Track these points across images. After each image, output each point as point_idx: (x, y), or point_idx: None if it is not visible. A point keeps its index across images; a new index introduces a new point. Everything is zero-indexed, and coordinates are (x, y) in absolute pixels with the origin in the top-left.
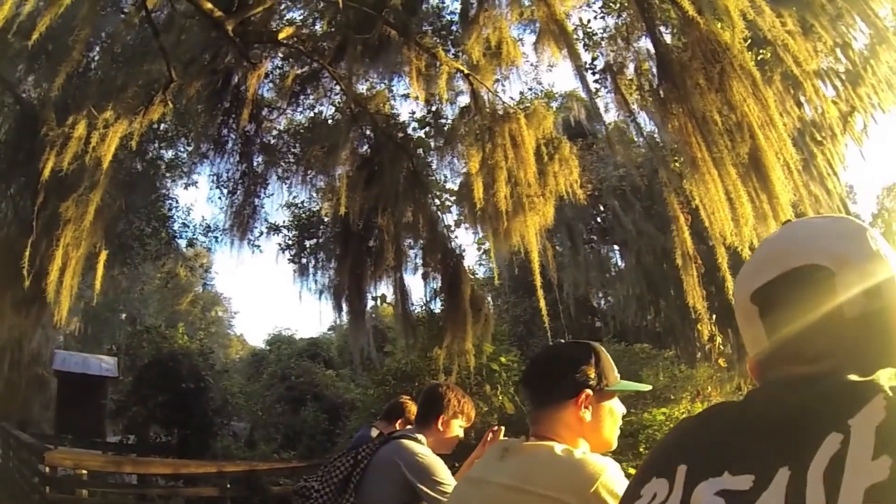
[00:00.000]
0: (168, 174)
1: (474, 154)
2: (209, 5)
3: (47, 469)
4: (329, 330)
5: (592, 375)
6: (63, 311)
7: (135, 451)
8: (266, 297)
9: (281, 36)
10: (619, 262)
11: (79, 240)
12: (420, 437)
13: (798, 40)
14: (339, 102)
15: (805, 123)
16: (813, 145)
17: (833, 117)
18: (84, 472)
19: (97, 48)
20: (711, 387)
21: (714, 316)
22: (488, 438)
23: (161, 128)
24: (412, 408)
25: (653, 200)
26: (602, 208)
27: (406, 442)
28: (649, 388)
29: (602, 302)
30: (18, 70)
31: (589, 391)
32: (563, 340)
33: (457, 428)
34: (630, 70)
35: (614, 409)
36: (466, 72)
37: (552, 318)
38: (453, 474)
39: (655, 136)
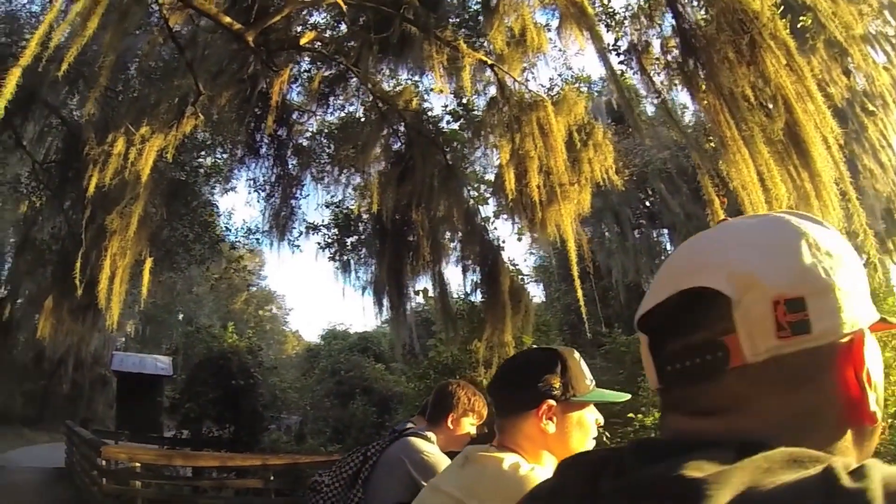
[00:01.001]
0: (208, 181)
1: (504, 145)
2: (228, 19)
3: (104, 462)
4: (383, 323)
5: (557, 385)
6: (114, 316)
7: (189, 445)
8: (320, 293)
9: (303, 41)
10: (669, 247)
11: (124, 249)
12: (430, 434)
13: (841, 3)
14: (366, 101)
15: (854, 93)
16: (864, 116)
17: (884, 84)
18: (138, 465)
19: (133, 67)
20: None
21: None
22: None
23: (199, 137)
24: None
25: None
26: (650, 192)
27: (414, 440)
28: (627, 397)
29: None
30: (62, 94)
31: (552, 402)
32: (535, 346)
33: (467, 426)
34: (656, 48)
35: (584, 420)
36: (490, 62)
37: (604, 305)
38: None
39: (689, 115)
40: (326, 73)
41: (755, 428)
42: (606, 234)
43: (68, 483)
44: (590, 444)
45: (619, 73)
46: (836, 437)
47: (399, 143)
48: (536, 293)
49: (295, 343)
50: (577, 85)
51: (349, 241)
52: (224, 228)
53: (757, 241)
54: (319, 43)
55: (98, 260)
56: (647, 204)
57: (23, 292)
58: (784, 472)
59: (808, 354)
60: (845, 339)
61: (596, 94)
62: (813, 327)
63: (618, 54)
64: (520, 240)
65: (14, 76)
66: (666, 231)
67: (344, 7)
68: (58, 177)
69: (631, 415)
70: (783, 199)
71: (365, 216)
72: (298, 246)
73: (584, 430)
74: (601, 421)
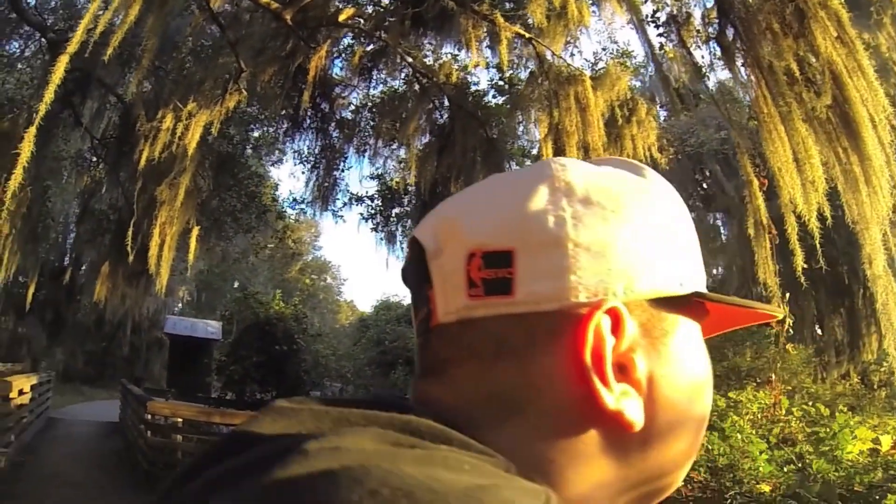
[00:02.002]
0: (255, 153)
1: (543, 119)
2: None
3: (150, 416)
4: None
5: None
6: (163, 280)
7: (232, 405)
8: (374, 265)
9: (341, 18)
10: (724, 231)
11: (172, 218)
12: None
13: None
14: (408, 76)
15: None
16: None
17: None
18: (180, 420)
19: (183, 47)
20: (807, 372)
21: (787, 294)
22: None
23: (248, 111)
24: None
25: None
26: (707, 174)
27: None
28: None
29: (709, 273)
30: (116, 74)
31: None
32: None
33: None
34: (697, 20)
35: None
36: (528, 36)
37: None
38: None
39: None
40: (368, 49)
41: (448, 399)
42: None
43: (120, 435)
44: None
45: (658, 46)
46: (551, 434)
47: (441, 117)
48: None
49: (349, 313)
50: (622, 59)
51: (394, 212)
52: (271, 199)
53: (491, 187)
54: (360, 19)
55: (149, 229)
56: (704, 186)
57: (85, 259)
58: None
59: (515, 322)
60: (581, 311)
61: (632, 69)
62: (517, 288)
63: (657, 26)
64: None
65: (62, 63)
66: (720, 215)
67: None
68: (114, 151)
69: None
70: (819, 182)
71: (411, 188)
72: (342, 216)
73: None
74: None
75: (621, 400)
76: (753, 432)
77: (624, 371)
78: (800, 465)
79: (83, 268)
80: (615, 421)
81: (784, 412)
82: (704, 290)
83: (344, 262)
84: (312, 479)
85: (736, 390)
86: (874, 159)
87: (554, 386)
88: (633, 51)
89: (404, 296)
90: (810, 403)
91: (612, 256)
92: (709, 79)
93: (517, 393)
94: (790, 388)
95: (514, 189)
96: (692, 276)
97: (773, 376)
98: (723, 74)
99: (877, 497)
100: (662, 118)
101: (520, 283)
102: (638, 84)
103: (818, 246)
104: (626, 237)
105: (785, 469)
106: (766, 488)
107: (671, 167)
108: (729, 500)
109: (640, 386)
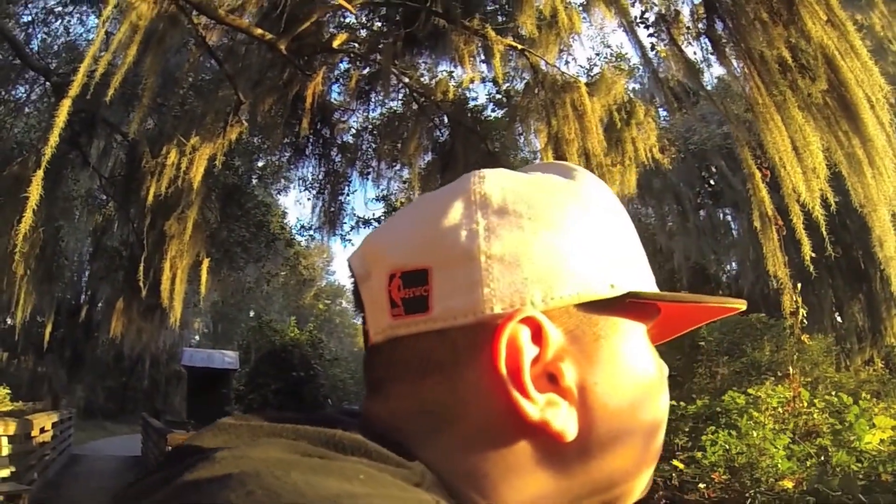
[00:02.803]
0: (261, 183)
1: (542, 129)
2: (259, 31)
3: (169, 448)
4: None
5: None
6: (177, 313)
7: None
8: None
9: (335, 44)
10: (734, 226)
11: (182, 251)
12: None
13: None
14: (405, 96)
15: None
16: None
17: None
18: None
19: (185, 83)
20: (829, 361)
21: (800, 284)
22: None
23: (252, 142)
24: None
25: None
26: (714, 170)
27: None
28: None
29: (723, 269)
30: (120, 113)
31: None
32: None
33: None
34: (686, 16)
35: None
36: (520, 47)
37: (669, 288)
38: None
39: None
40: (364, 72)
41: (385, 415)
42: (667, 215)
43: (142, 469)
44: None
45: (649, 46)
46: (482, 447)
47: (441, 135)
48: None
49: None
50: (617, 63)
51: None
52: (279, 227)
53: (415, 207)
54: (355, 43)
55: (160, 263)
56: (712, 182)
57: (100, 297)
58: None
59: (437, 338)
60: (496, 323)
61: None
62: (433, 305)
63: (647, 27)
64: None
65: (65, 106)
66: (729, 210)
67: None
68: (123, 189)
69: (674, 402)
70: (820, 168)
71: None
72: (350, 240)
73: None
74: None
75: (546, 410)
76: (775, 428)
77: (553, 380)
78: (821, 458)
79: (99, 305)
80: (544, 432)
81: (805, 405)
82: (642, 290)
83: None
84: (209, 482)
85: (756, 386)
86: (876, 140)
87: (480, 399)
88: (626, 53)
89: None
90: (833, 393)
91: (527, 265)
92: (703, 74)
93: (446, 407)
94: (812, 379)
95: (433, 207)
96: (626, 277)
97: (791, 369)
98: (720, 70)
99: None
100: (663, 118)
101: (436, 299)
102: (637, 86)
103: (827, 233)
104: (544, 243)
105: (808, 464)
106: (788, 485)
107: (675, 166)
108: (749, 500)
109: (570, 394)
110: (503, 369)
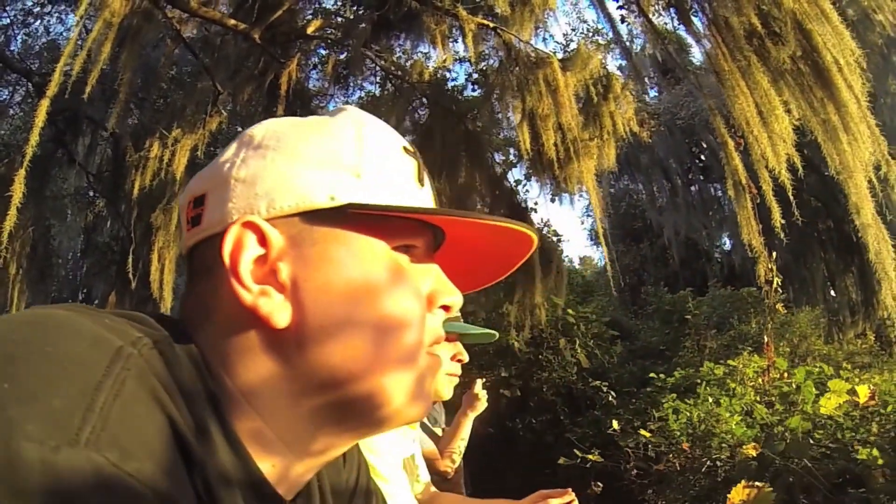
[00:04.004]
0: None
1: (517, 106)
2: (232, 21)
3: None
4: None
5: None
6: (167, 304)
7: None
8: None
9: (310, 30)
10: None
11: (169, 242)
12: None
13: None
14: (382, 79)
15: None
16: None
17: None
18: None
19: (165, 76)
20: (817, 334)
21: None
22: (471, 397)
23: (231, 130)
24: None
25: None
26: (704, 145)
27: None
28: (492, 336)
29: (714, 244)
30: (103, 110)
31: None
32: None
33: None
34: None
35: None
36: (492, 26)
37: (662, 264)
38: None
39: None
40: (342, 57)
41: (184, 309)
42: (658, 191)
43: None
44: (442, 380)
45: (619, 18)
46: (226, 335)
47: (419, 116)
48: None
49: None
50: (593, 38)
51: None
52: None
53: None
54: (330, 29)
55: (148, 255)
56: (702, 158)
57: (96, 293)
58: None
59: (207, 245)
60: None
61: (638, 48)
62: (203, 219)
63: None
64: (553, 200)
65: (43, 107)
66: (720, 185)
67: None
68: (110, 184)
69: (652, 374)
70: (787, 134)
71: None
72: None
73: None
74: (464, 357)
75: (259, 298)
76: (757, 398)
77: (273, 276)
78: (777, 424)
79: (95, 301)
80: (259, 318)
81: (779, 374)
82: (367, 202)
83: None
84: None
85: (736, 358)
86: (850, 105)
87: (225, 293)
88: (603, 28)
89: None
90: (818, 365)
91: (259, 183)
92: (673, 45)
93: (209, 301)
94: (801, 351)
95: (224, 150)
96: (355, 192)
97: (766, 338)
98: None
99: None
100: (652, 95)
101: (206, 215)
102: (624, 63)
103: (818, 205)
104: (276, 167)
105: (775, 430)
106: (751, 452)
107: (664, 141)
108: (703, 468)
109: (285, 289)
110: (227, 262)
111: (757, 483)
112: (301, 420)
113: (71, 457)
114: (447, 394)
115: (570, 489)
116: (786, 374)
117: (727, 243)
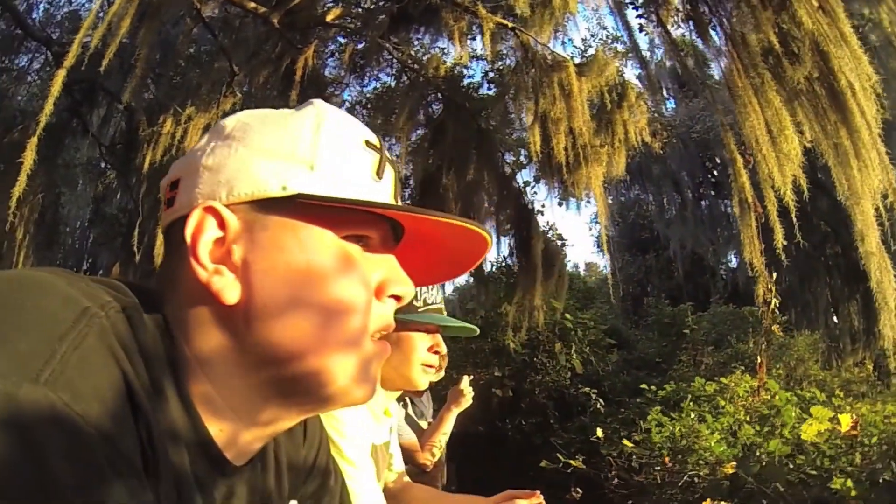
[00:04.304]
0: None
1: (530, 108)
2: (252, 4)
3: None
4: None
5: None
6: None
7: None
8: None
9: (329, 18)
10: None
11: None
12: None
13: None
14: (398, 71)
15: None
16: None
17: None
18: None
19: (184, 54)
20: (815, 358)
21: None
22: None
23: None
24: None
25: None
26: (718, 160)
27: None
28: (473, 331)
29: (720, 261)
30: (120, 83)
31: None
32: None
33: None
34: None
35: (407, 341)
36: (511, 25)
37: (666, 276)
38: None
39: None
40: (359, 47)
41: (160, 280)
42: (668, 203)
43: None
44: (417, 370)
45: (637, 27)
46: (186, 307)
47: (433, 111)
48: (602, 263)
49: None
50: (614, 45)
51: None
52: None
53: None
54: (349, 18)
55: (154, 229)
56: (715, 173)
57: (101, 264)
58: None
59: (177, 225)
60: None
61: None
62: (176, 201)
63: (636, 7)
64: (560, 204)
65: (59, 77)
66: (729, 201)
67: None
68: (122, 157)
69: (644, 385)
70: (795, 154)
71: (412, 182)
72: None
73: (404, 352)
74: (442, 349)
75: (213, 276)
76: (747, 418)
77: (228, 256)
78: (757, 446)
79: (100, 272)
80: (212, 293)
81: (770, 396)
82: (317, 193)
83: None
84: None
85: (729, 376)
86: (862, 131)
87: (188, 269)
88: (622, 35)
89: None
90: (811, 391)
91: (222, 171)
92: (690, 58)
93: (175, 275)
94: (797, 374)
95: (201, 138)
96: (309, 183)
97: (759, 358)
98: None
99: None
100: (671, 105)
101: (178, 198)
102: (643, 72)
103: (827, 230)
104: (238, 156)
105: (757, 452)
106: (730, 471)
107: (677, 153)
108: (680, 483)
109: (237, 269)
110: (188, 242)
111: (723, 503)
112: (249, 391)
113: (30, 392)
114: (422, 384)
115: (538, 492)
116: (776, 397)
117: (733, 261)
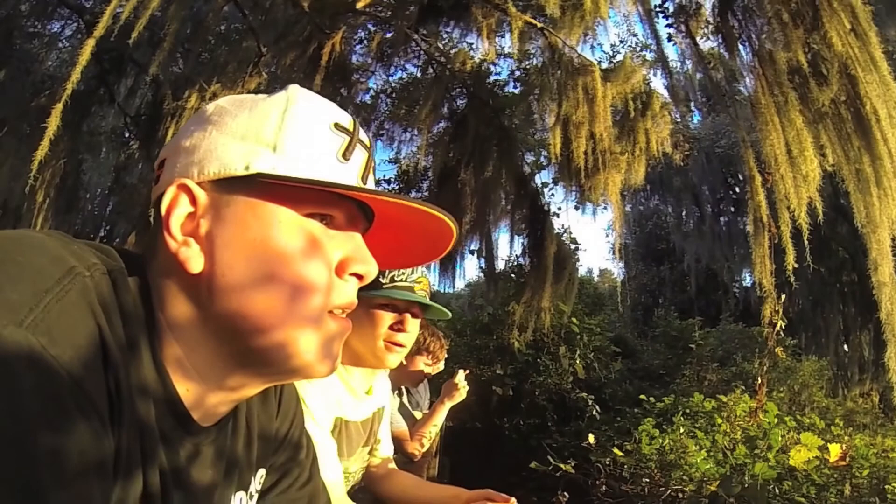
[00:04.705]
0: None
1: (553, 109)
2: None
3: None
4: (467, 286)
5: None
6: None
7: None
8: None
9: (359, 5)
10: None
11: None
12: None
13: None
14: (424, 63)
15: None
16: None
17: None
18: None
19: (213, 31)
20: (819, 385)
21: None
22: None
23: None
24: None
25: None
26: (740, 177)
27: None
28: (445, 314)
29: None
30: (149, 55)
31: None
32: None
33: (421, 364)
34: (707, 9)
35: (373, 315)
36: (540, 25)
37: (679, 289)
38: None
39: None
40: (387, 36)
41: (143, 251)
42: (685, 215)
43: None
44: (381, 347)
45: (666, 37)
46: (162, 274)
47: (455, 105)
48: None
49: None
50: (643, 53)
51: (413, 196)
52: None
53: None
54: (381, 7)
55: None
56: (737, 190)
57: (118, 232)
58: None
59: (159, 199)
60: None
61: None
62: (161, 179)
63: (666, 17)
64: (577, 208)
65: (88, 46)
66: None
67: None
68: (146, 128)
69: (643, 396)
70: (813, 176)
71: (429, 174)
72: None
73: (368, 328)
74: (406, 327)
75: (181, 247)
76: (742, 438)
77: (197, 230)
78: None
79: (116, 240)
80: (179, 262)
81: (767, 418)
82: (277, 173)
83: None
84: None
85: (731, 394)
86: (885, 159)
87: (163, 239)
88: (651, 44)
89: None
90: (811, 417)
91: (196, 152)
92: (718, 71)
93: (156, 245)
94: (799, 399)
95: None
96: (270, 163)
97: (759, 379)
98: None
99: None
100: (697, 118)
101: (162, 176)
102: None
103: (845, 256)
104: (210, 138)
105: (746, 473)
106: (713, 488)
107: (699, 167)
108: (664, 497)
109: (203, 242)
110: (163, 214)
111: None
112: (216, 358)
113: (13, 333)
114: (390, 362)
115: (513, 499)
116: (775, 419)
117: (747, 279)
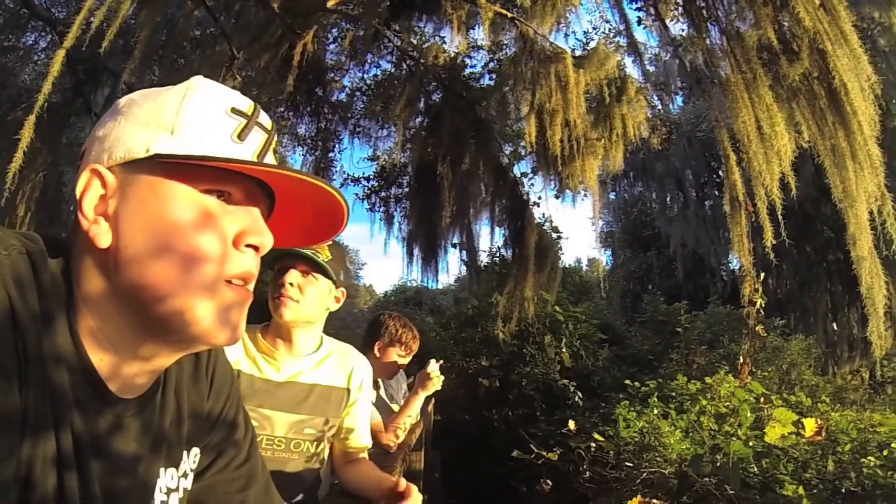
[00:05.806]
0: None
1: (527, 98)
2: None
3: None
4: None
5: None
6: None
7: None
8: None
9: (330, 4)
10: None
11: None
12: None
13: None
14: (397, 59)
15: None
16: None
17: None
18: None
19: (185, 36)
20: (808, 363)
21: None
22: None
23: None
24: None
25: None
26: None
27: None
28: None
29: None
30: (123, 63)
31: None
32: None
33: (394, 355)
34: None
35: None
36: (510, 15)
37: (667, 274)
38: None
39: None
40: (360, 33)
41: (68, 233)
42: (669, 200)
43: None
44: (273, 304)
45: (636, 20)
46: (79, 254)
47: (430, 99)
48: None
49: (367, 297)
50: (617, 39)
51: (393, 192)
52: None
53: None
54: (352, 5)
55: None
56: (720, 173)
57: None
58: None
59: None
60: None
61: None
62: (80, 167)
63: (634, 0)
64: (557, 197)
65: (59, 57)
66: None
67: None
68: None
69: (628, 382)
70: (784, 151)
71: (407, 170)
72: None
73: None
74: (287, 278)
75: (92, 225)
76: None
77: (107, 209)
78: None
79: None
80: (90, 239)
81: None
82: (173, 153)
83: (361, 247)
84: None
85: (716, 376)
86: (857, 133)
87: (79, 219)
88: (622, 29)
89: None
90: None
91: (107, 140)
92: (694, 54)
93: (76, 226)
94: (789, 378)
95: None
96: (168, 145)
97: (741, 359)
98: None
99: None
100: (679, 103)
101: (82, 164)
102: (651, 69)
103: (831, 235)
104: (118, 126)
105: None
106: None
107: (681, 152)
108: (639, 479)
109: (111, 219)
110: (78, 197)
111: (654, 501)
112: (127, 328)
113: None
114: (278, 315)
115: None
116: (762, 399)
117: (734, 262)
